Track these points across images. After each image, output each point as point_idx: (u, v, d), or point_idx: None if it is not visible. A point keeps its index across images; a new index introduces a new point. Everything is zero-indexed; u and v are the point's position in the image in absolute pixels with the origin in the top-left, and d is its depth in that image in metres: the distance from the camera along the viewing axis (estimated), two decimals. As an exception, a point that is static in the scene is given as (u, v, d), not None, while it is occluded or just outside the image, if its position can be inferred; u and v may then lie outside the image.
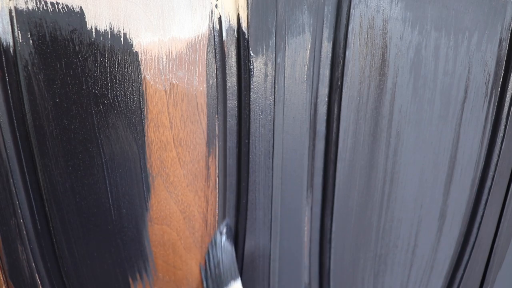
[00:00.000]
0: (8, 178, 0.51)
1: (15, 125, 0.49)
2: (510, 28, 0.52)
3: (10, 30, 0.45)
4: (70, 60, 0.47)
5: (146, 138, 0.51)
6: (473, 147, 0.57)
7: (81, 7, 0.45)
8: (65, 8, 0.45)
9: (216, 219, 0.57)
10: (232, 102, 0.52)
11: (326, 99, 0.54)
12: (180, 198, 0.55)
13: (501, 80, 0.54)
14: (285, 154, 0.55)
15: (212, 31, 0.48)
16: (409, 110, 0.54)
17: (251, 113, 0.52)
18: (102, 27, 0.46)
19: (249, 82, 0.51)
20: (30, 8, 0.44)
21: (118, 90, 0.49)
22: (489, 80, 0.54)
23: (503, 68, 0.54)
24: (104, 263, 0.57)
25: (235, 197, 0.57)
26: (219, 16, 0.48)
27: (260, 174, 0.55)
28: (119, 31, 0.47)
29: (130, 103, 0.50)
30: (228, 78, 0.51)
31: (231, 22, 0.48)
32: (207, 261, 0.53)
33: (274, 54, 0.50)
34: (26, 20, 0.45)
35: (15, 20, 0.45)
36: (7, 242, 0.53)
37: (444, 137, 0.56)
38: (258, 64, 0.50)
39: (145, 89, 0.49)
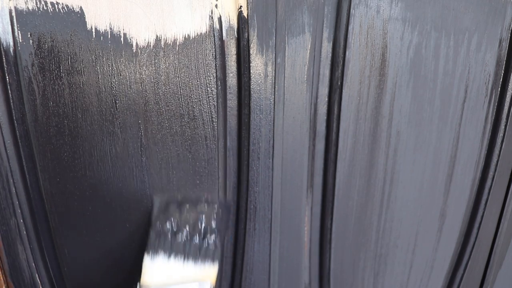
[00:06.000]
0: (8, 178, 0.51)
1: (15, 125, 0.49)
2: (510, 28, 0.52)
3: (10, 30, 0.45)
4: (70, 60, 0.47)
5: (146, 138, 0.51)
6: (473, 147, 0.57)
7: (81, 7, 0.45)
8: (65, 8, 0.45)
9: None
10: (232, 102, 0.52)
11: (326, 99, 0.54)
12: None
13: (501, 80, 0.54)
14: (285, 154, 0.55)
15: (212, 31, 0.48)
16: (409, 110, 0.54)
17: (251, 113, 0.52)
18: (102, 27, 0.46)
19: (249, 82, 0.51)
20: (30, 8, 0.44)
21: (118, 90, 0.49)
22: (489, 80, 0.54)
23: (503, 68, 0.54)
24: (104, 263, 0.57)
25: (235, 197, 0.57)
26: (219, 16, 0.48)
27: (260, 174, 0.55)
28: (119, 31, 0.47)
29: (130, 103, 0.50)
30: (228, 78, 0.50)
31: (231, 22, 0.48)
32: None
33: (274, 54, 0.50)
34: (26, 20, 0.45)
35: (15, 20, 0.45)
36: (7, 242, 0.53)
37: (444, 137, 0.56)
38: (258, 64, 0.50)
39: (145, 89, 0.49)
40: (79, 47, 0.46)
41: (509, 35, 0.52)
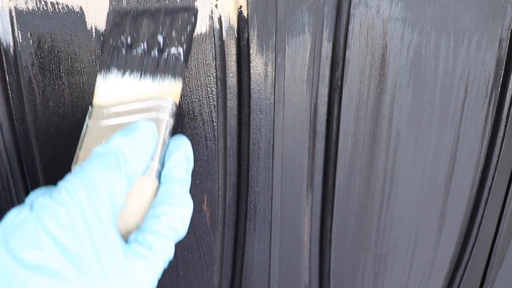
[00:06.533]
0: (8, 178, 0.51)
1: (15, 125, 0.49)
2: (510, 28, 0.52)
3: (10, 30, 0.45)
4: (70, 60, 0.47)
5: (146, 138, 0.51)
6: (473, 147, 0.58)
7: (81, 7, 0.45)
8: (65, 8, 0.45)
9: (216, 219, 0.57)
10: (232, 102, 0.52)
11: (326, 99, 0.54)
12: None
13: (501, 80, 0.54)
14: (285, 154, 0.55)
15: (212, 31, 0.48)
16: (409, 110, 0.54)
17: (251, 113, 0.52)
18: (102, 27, 0.46)
19: (249, 82, 0.51)
20: (30, 8, 0.44)
21: (118, 90, 0.49)
22: (489, 80, 0.54)
23: (503, 68, 0.54)
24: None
25: (235, 197, 0.57)
26: (219, 16, 0.48)
27: (260, 174, 0.55)
28: (119, 31, 0.47)
29: (130, 103, 0.50)
30: (228, 78, 0.51)
31: (231, 22, 0.48)
32: None
33: (274, 54, 0.50)
34: (26, 20, 0.45)
35: (15, 20, 0.45)
36: (7, 242, 0.53)
37: (444, 137, 0.56)
38: (258, 64, 0.50)
39: (145, 89, 0.49)
40: (79, 47, 0.46)
41: (509, 35, 0.52)
